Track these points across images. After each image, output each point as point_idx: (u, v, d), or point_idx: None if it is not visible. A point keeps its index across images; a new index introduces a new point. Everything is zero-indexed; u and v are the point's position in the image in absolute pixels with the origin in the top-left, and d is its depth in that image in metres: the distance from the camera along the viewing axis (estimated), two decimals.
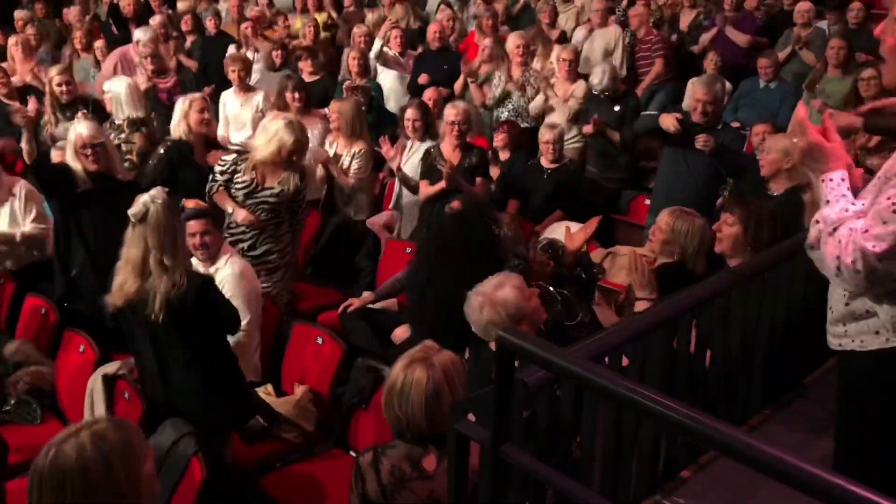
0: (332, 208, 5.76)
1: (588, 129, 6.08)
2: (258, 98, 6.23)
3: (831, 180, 1.86)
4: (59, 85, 5.74)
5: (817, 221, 1.85)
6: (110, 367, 3.64)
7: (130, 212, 3.12)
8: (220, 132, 6.06)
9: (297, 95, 5.82)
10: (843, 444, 2.11)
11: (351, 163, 5.58)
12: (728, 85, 6.99)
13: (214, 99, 6.28)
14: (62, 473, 1.77)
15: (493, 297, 2.94)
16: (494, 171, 5.67)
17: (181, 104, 4.98)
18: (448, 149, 5.24)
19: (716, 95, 4.80)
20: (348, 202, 5.70)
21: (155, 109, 6.02)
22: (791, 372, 3.09)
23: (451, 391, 2.40)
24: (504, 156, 5.97)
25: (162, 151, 4.91)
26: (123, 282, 3.17)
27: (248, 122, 6.11)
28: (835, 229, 1.79)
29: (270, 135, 4.33)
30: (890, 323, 1.84)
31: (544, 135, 5.61)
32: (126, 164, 5.15)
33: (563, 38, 7.89)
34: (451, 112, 5.26)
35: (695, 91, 4.89)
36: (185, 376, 3.23)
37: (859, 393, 1.99)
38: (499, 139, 6.03)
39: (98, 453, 1.78)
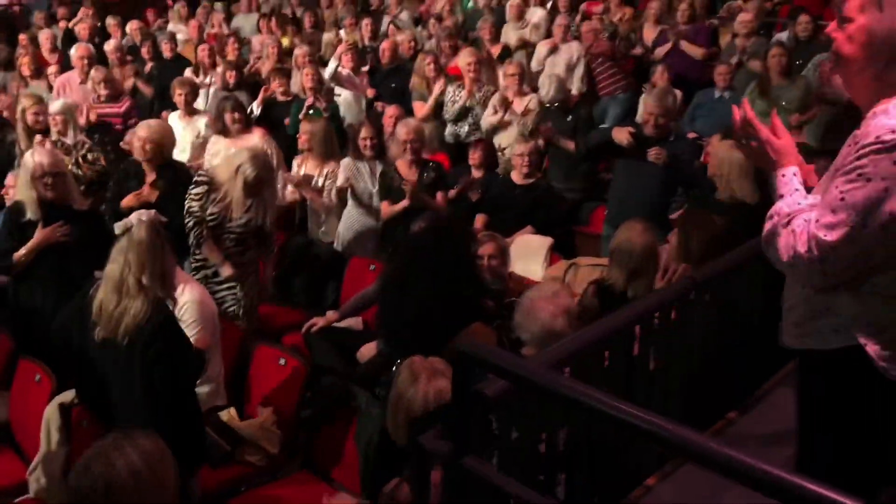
0: (298, 228, 5.71)
1: (540, 141, 6.13)
2: (200, 122, 6.23)
3: (783, 175, 1.90)
4: (35, 114, 5.65)
5: (771, 216, 1.87)
6: (67, 396, 3.55)
7: (116, 226, 3.09)
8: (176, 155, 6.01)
9: (236, 116, 5.76)
10: (805, 444, 2.10)
11: (324, 183, 5.54)
12: (679, 93, 7.10)
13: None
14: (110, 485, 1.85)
15: (562, 304, 3.05)
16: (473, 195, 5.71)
17: (132, 134, 4.98)
18: (405, 166, 5.24)
19: (667, 108, 4.86)
20: (321, 223, 5.64)
21: (99, 133, 5.98)
22: (753, 375, 3.11)
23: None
24: (478, 174, 5.99)
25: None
26: (102, 299, 3.10)
27: (187, 147, 6.07)
28: (789, 221, 1.81)
29: (234, 168, 4.33)
30: (851, 319, 1.84)
31: (518, 148, 5.60)
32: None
33: (507, 54, 7.93)
34: (402, 130, 5.27)
35: (646, 104, 4.94)
36: (136, 411, 3.10)
37: (820, 392, 1.98)
38: (474, 157, 6.05)
39: (145, 465, 1.90)
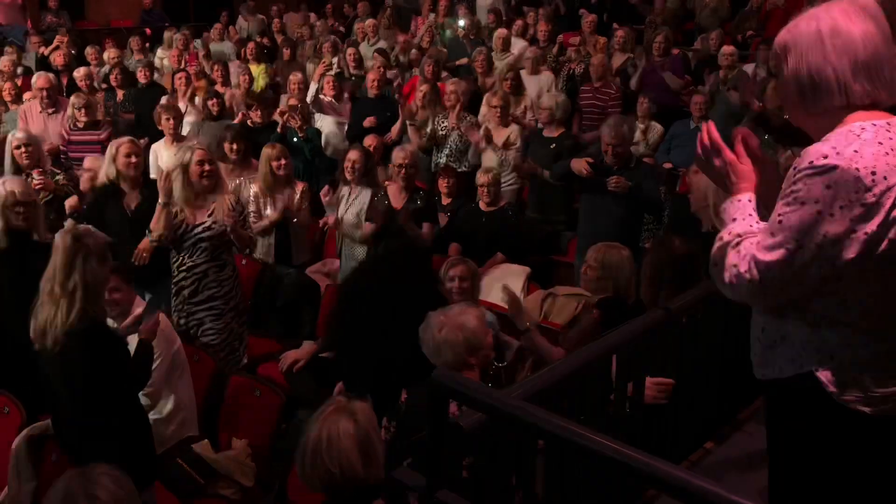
0: (278, 256, 5.67)
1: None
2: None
3: (739, 200, 1.93)
4: (17, 147, 5.57)
5: (720, 238, 1.90)
6: (36, 429, 3.49)
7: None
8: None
9: (234, 146, 5.75)
10: (775, 473, 2.12)
11: (302, 202, 5.48)
12: (660, 128, 7.20)
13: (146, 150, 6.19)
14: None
15: (456, 319, 2.91)
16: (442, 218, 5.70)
17: (109, 149, 4.90)
18: (395, 191, 5.23)
19: (623, 137, 4.90)
20: (303, 244, 5.61)
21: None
22: (728, 405, 3.11)
23: (376, 436, 2.33)
24: (446, 201, 6.00)
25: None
26: (39, 311, 3.10)
27: None
28: (738, 243, 1.85)
29: (172, 168, 4.31)
30: (801, 347, 1.87)
31: (479, 178, 5.67)
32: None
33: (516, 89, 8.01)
34: (399, 155, 5.28)
35: (602, 135, 4.99)
36: (73, 423, 3.13)
37: (784, 422, 2.00)
38: (442, 185, 6.06)
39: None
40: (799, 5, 9.10)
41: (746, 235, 1.85)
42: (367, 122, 7.02)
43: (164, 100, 7.39)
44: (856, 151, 1.71)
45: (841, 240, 1.72)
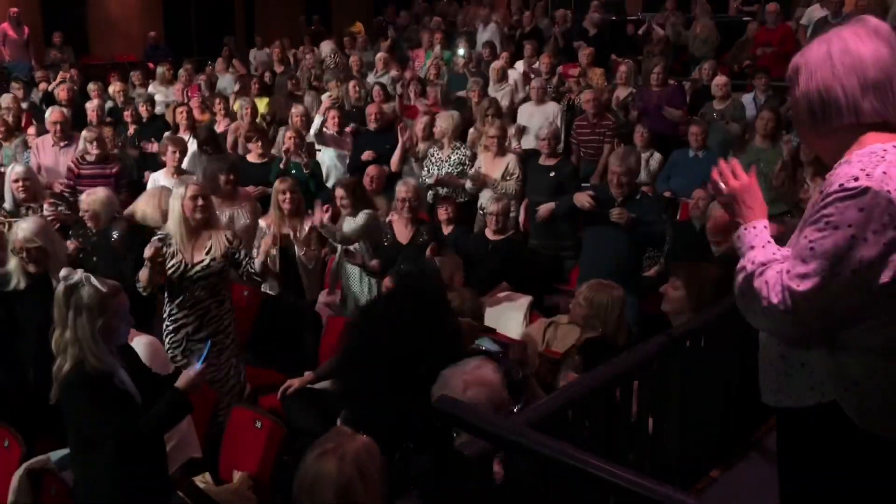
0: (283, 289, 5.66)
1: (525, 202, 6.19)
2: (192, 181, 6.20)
3: (755, 227, 1.92)
4: (16, 181, 5.65)
5: (743, 268, 1.87)
6: (36, 462, 3.46)
7: None
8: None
9: (230, 178, 5.75)
10: (788, 502, 2.08)
11: (311, 235, 5.47)
12: (660, 156, 7.24)
13: None
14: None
15: (478, 376, 2.75)
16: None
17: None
18: (400, 225, 5.25)
19: (629, 167, 4.93)
20: (313, 278, 5.58)
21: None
22: (736, 431, 3.09)
23: (364, 482, 2.24)
24: (447, 230, 6.02)
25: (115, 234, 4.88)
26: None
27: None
28: (762, 272, 1.82)
29: (169, 205, 4.32)
30: (825, 376, 1.83)
31: (490, 207, 5.66)
32: None
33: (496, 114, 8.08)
34: (402, 189, 5.32)
35: (609, 164, 5.03)
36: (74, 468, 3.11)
37: (799, 451, 1.96)
38: (442, 213, 6.08)
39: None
40: (789, 39, 9.27)
41: (770, 264, 1.82)
42: (366, 155, 7.08)
43: (167, 134, 7.46)
44: (884, 173, 1.69)
45: (875, 265, 1.69)
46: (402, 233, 5.23)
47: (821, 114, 1.83)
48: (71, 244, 5.11)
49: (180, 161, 6.30)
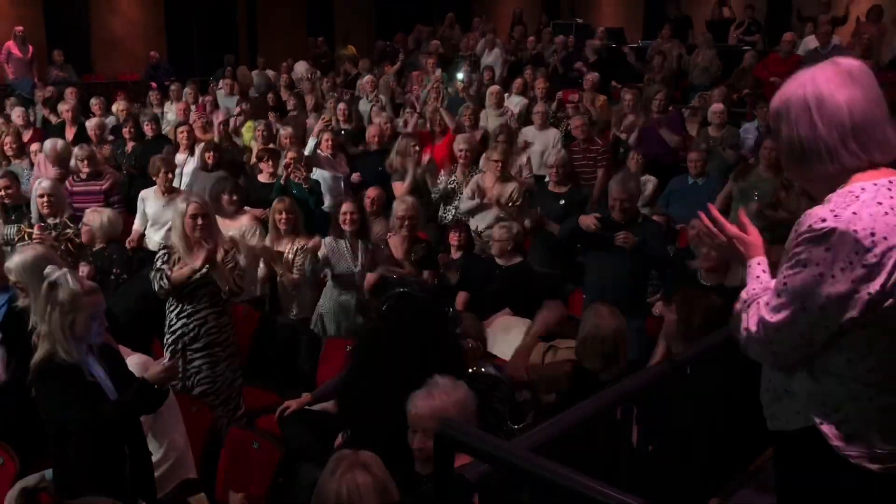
0: (273, 308, 5.67)
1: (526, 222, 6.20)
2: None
3: (750, 266, 2.04)
4: (41, 196, 5.72)
5: (740, 298, 1.99)
6: (31, 480, 3.44)
7: None
8: (137, 226, 6.38)
9: (233, 198, 5.80)
10: None
11: (295, 258, 5.53)
12: (655, 180, 7.27)
13: None
14: None
15: (454, 396, 2.74)
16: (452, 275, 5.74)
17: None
18: (397, 243, 5.25)
19: (630, 192, 4.96)
20: (292, 300, 5.62)
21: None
22: (736, 459, 3.08)
23: (392, 484, 2.32)
24: (456, 254, 6.03)
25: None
26: None
27: (167, 223, 6.07)
28: (749, 304, 1.95)
29: (171, 219, 4.41)
30: (806, 400, 1.90)
31: (496, 233, 5.66)
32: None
33: (487, 138, 8.14)
34: (400, 207, 5.35)
35: (611, 190, 5.04)
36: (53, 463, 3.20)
37: (790, 473, 2.02)
38: (454, 238, 6.09)
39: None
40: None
41: (756, 296, 1.94)
42: (354, 178, 7.19)
43: (164, 153, 7.50)
44: (854, 213, 1.75)
45: (844, 301, 1.76)
46: (398, 249, 5.24)
47: (805, 162, 1.89)
48: (84, 267, 5.20)
49: (171, 179, 6.38)
